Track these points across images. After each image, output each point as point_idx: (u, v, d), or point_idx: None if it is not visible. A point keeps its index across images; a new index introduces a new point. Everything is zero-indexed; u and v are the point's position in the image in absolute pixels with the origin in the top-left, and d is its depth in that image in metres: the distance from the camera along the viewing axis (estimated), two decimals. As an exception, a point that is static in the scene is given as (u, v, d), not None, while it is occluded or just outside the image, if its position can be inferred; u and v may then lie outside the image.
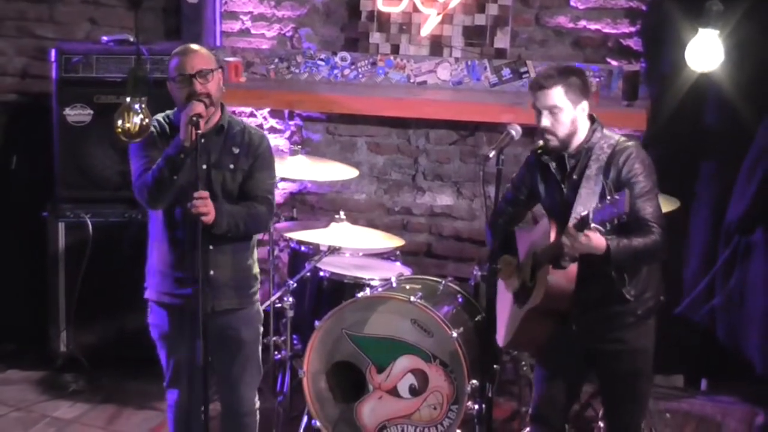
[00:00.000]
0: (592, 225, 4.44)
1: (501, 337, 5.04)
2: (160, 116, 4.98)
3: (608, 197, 4.43)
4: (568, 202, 4.74)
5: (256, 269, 5.14)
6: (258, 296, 5.16)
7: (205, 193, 4.78)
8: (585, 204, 4.62)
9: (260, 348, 5.20)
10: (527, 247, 4.93)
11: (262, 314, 5.21)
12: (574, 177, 4.78)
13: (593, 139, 4.79)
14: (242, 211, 4.92)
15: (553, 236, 4.71)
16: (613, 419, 5.02)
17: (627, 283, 4.75)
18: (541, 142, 4.85)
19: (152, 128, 4.90)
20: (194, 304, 4.87)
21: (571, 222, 4.58)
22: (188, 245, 4.91)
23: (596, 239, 4.54)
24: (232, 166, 4.96)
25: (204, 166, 4.82)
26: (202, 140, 4.78)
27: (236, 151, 4.97)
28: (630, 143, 4.80)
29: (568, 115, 4.75)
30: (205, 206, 4.76)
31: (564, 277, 4.68)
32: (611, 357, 4.84)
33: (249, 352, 5.11)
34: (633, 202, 4.59)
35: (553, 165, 4.84)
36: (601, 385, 5.05)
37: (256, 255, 5.14)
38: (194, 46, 4.99)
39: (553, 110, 4.74)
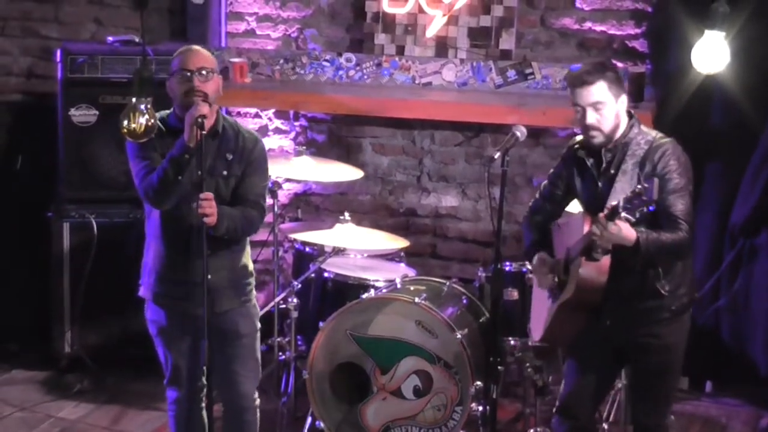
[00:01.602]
0: (622, 214, 4.45)
1: (536, 332, 5.07)
2: None
3: (638, 186, 4.42)
4: (603, 197, 4.75)
5: (251, 266, 5.16)
6: (254, 291, 5.18)
7: (210, 195, 4.79)
8: (619, 197, 4.61)
9: (258, 343, 5.19)
10: (563, 243, 4.94)
11: (259, 308, 5.22)
12: (611, 171, 4.79)
13: (630, 134, 4.80)
14: (239, 214, 4.94)
15: (586, 229, 4.71)
16: (638, 415, 5.02)
17: (662, 278, 4.76)
18: (578, 138, 4.90)
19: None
20: (192, 307, 4.90)
21: (603, 212, 4.59)
22: (184, 247, 4.93)
23: (626, 229, 4.55)
24: (225, 173, 4.97)
25: (198, 172, 4.82)
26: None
27: (230, 157, 4.98)
28: (667, 140, 4.82)
29: (612, 109, 4.76)
30: (210, 207, 4.78)
31: (596, 269, 4.69)
32: (642, 350, 4.86)
33: (246, 345, 5.11)
34: (665, 197, 4.62)
35: (590, 160, 4.85)
36: (630, 380, 5.07)
37: (249, 250, 5.15)
38: (197, 47, 5.04)
39: (597, 106, 4.74)
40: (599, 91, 4.73)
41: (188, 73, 4.86)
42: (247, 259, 5.13)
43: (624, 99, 4.81)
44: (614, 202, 4.52)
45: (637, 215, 4.43)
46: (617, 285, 4.73)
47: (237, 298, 5.08)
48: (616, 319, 4.83)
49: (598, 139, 4.79)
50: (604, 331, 4.86)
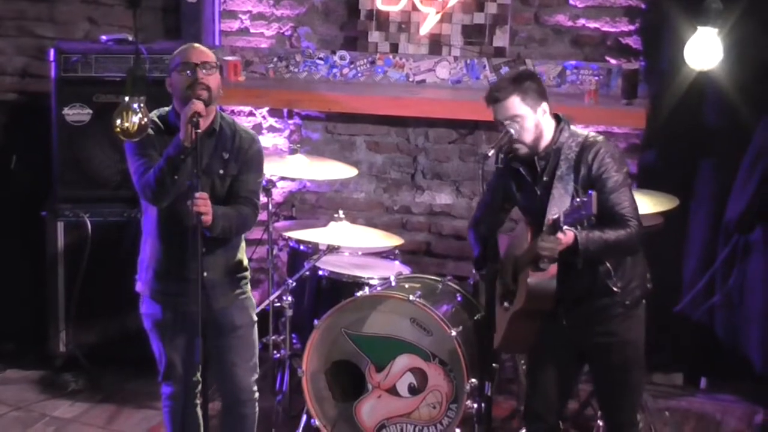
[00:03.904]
0: (564, 228, 4.46)
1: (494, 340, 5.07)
2: (152, 114, 4.97)
3: (576, 200, 4.45)
4: (543, 204, 4.73)
5: (246, 261, 5.18)
6: (249, 284, 5.19)
7: (205, 194, 4.80)
8: (558, 205, 4.62)
9: (255, 336, 5.20)
10: (510, 251, 4.93)
11: (254, 300, 5.24)
12: (546, 179, 4.77)
13: (561, 138, 4.78)
14: (234, 213, 4.96)
15: (529, 239, 4.72)
16: (608, 412, 5.03)
17: (612, 275, 4.75)
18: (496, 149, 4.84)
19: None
20: (188, 303, 4.90)
21: (544, 227, 4.59)
22: (180, 245, 4.93)
23: (567, 238, 4.55)
24: (221, 172, 4.98)
25: (195, 171, 4.82)
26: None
27: (226, 156, 5.00)
28: (598, 138, 4.79)
29: (531, 120, 4.74)
30: (205, 206, 4.79)
31: (544, 277, 4.67)
32: (602, 350, 4.85)
33: (242, 336, 5.13)
34: (606, 198, 4.62)
35: (523, 169, 4.83)
36: (594, 379, 5.06)
37: (244, 246, 5.17)
38: (198, 44, 5.07)
39: (515, 119, 4.73)
40: (513, 105, 4.72)
41: (191, 67, 4.87)
42: (242, 254, 5.15)
43: (545, 107, 4.77)
44: (554, 216, 4.52)
45: (578, 228, 4.46)
46: (569, 286, 4.72)
47: (232, 293, 5.10)
48: (572, 320, 4.82)
49: (522, 150, 4.77)
50: (563, 333, 4.84)
